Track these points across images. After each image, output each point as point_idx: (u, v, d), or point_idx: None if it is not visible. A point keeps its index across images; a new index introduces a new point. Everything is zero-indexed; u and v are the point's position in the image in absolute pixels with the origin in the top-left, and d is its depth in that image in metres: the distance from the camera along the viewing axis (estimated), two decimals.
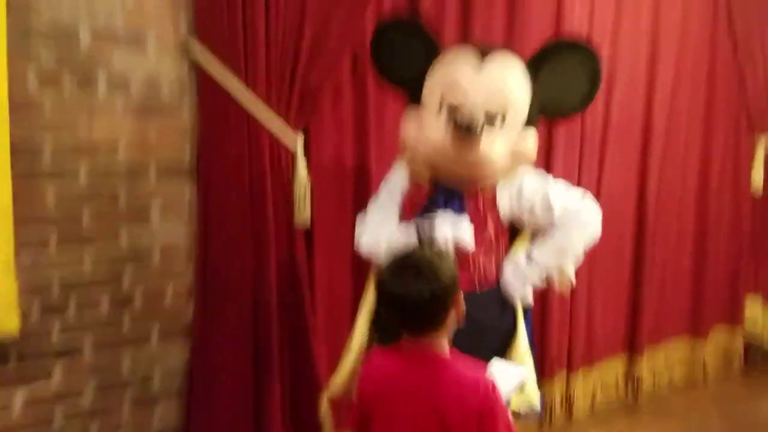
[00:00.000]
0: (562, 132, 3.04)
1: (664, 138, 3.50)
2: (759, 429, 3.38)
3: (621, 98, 3.26)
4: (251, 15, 2.21)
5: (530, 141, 2.12)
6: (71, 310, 2.16)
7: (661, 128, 3.46)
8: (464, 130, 1.95)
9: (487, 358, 1.88)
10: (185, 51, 2.24)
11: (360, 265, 2.59)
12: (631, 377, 3.59)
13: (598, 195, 3.14)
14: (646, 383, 3.63)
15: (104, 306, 2.22)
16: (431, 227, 2.02)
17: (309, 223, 2.42)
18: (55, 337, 2.15)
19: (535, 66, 2.13)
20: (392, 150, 2.64)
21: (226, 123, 2.26)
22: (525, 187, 2.11)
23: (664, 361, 3.75)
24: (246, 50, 2.23)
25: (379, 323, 2.06)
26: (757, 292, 4.12)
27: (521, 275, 2.12)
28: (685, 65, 3.54)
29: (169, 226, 2.31)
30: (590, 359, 3.37)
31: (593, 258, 2.95)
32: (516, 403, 2.01)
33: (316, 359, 2.47)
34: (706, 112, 3.72)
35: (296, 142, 2.36)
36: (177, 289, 2.35)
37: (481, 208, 2.11)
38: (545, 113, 2.20)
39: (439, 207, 2.07)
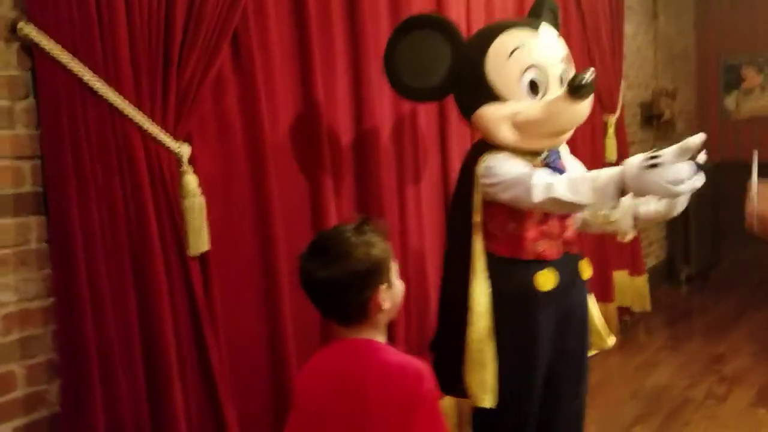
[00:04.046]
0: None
1: None
2: (660, 390, 3.67)
3: None
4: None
5: None
6: None
7: None
8: (580, 88, 1.97)
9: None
10: (15, 38, 1.63)
11: (268, 298, 2.15)
12: None
13: None
14: None
15: None
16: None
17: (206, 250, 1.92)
18: None
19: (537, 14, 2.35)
20: (289, 150, 2.24)
21: (84, 136, 1.68)
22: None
23: None
24: (104, 40, 1.69)
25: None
26: (622, 267, 4.30)
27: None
28: None
29: (10, 282, 1.68)
30: None
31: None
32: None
33: (227, 418, 1.98)
34: None
35: (181, 154, 1.85)
36: (32, 368, 1.72)
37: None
38: None
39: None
